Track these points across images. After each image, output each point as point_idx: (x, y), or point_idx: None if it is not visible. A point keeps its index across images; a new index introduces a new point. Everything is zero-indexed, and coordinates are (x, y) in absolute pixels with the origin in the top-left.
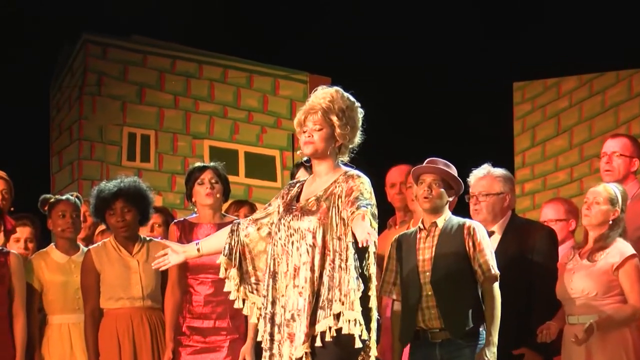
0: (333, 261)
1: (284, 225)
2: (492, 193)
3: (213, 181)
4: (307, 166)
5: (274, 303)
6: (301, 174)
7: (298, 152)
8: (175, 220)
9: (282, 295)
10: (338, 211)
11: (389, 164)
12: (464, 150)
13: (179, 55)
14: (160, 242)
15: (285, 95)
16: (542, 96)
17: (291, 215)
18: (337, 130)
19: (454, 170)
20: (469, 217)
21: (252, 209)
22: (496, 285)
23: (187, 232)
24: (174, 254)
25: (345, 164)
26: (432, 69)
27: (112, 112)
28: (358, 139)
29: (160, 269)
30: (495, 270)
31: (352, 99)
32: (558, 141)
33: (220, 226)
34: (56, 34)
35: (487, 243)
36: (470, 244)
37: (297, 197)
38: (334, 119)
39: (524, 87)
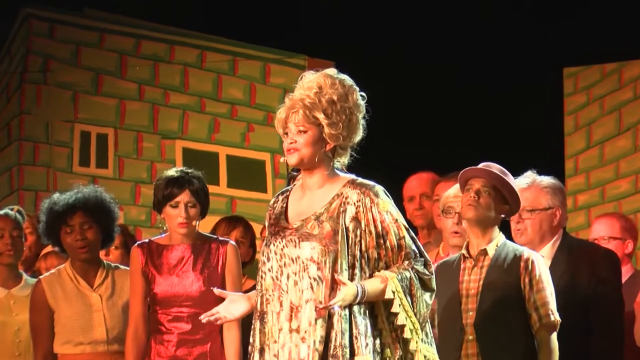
0: None
1: (275, 253)
2: (538, 208)
3: (190, 205)
4: (296, 176)
5: (262, 351)
6: None
7: (282, 160)
8: (139, 242)
9: (275, 342)
10: (349, 234)
11: (406, 174)
12: (501, 154)
13: (144, 34)
14: (128, 270)
15: (277, 84)
16: (599, 85)
17: (284, 241)
18: (326, 130)
19: (512, 181)
20: (511, 239)
21: (247, 230)
22: (555, 335)
23: (154, 257)
24: (234, 304)
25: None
26: (461, 53)
27: (60, 106)
28: (360, 133)
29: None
30: (555, 317)
31: (347, 82)
32: (620, 141)
33: (195, 248)
34: None
35: (547, 281)
36: (527, 280)
37: (284, 213)
38: (321, 116)
39: (576, 73)
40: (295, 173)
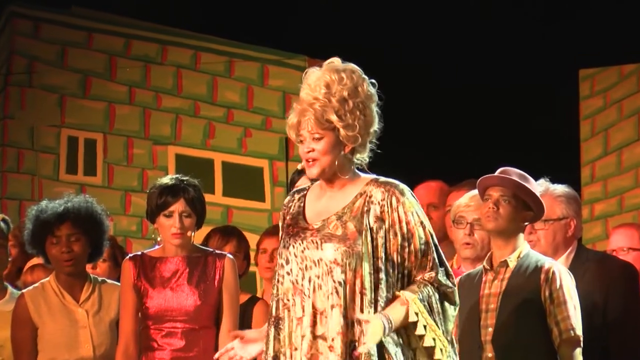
0: (375, 303)
1: (295, 256)
2: (552, 218)
3: (185, 214)
4: (298, 179)
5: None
6: (303, 183)
7: (300, 166)
8: (131, 255)
9: (295, 349)
10: (373, 235)
11: (412, 182)
12: (514, 161)
13: (135, 33)
14: (117, 285)
15: (276, 87)
16: (617, 87)
17: (304, 242)
18: (342, 133)
19: (533, 186)
20: None
21: (241, 243)
22: (578, 351)
23: (147, 270)
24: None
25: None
26: (469, 54)
27: (46, 109)
28: (376, 123)
29: None
30: (577, 332)
31: (355, 73)
32: (639, 148)
33: (191, 260)
34: None
35: (570, 294)
36: (547, 293)
37: (302, 213)
38: (334, 118)
39: (593, 75)
40: (297, 176)
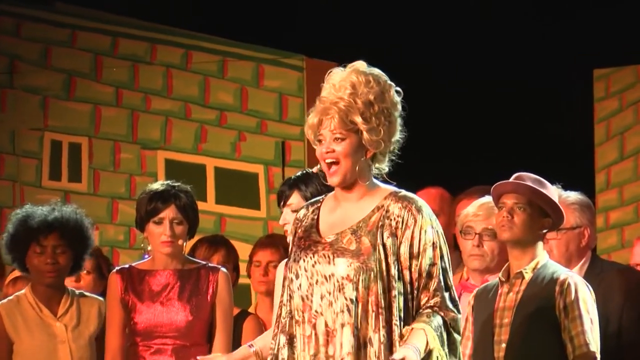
0: (389, 323)
1: (305, 270)
2: (565, 227)
3: (176, 221)
4: (319, 175)
5: None
6: (295, 201)
7: (315, 169)
8: (118, 268)
9: None
10: (387, 252)
11: (415, 189)
12: (524, 167)
13: (122, 31)
14: (96, 298)
15: (272, 88)
16: (635, 88)
17: (315, 256)
18: (366, 137)
19: (550, 191)
20: None
21: (230, 253)
22: None
23: (135, 283)
24: None
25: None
26: (475, 52)
27: (28, 112)
28: (398, 134)
29: None
30: (592, 348)
31: (381, 78)
32: None
33: (182, 273)
34: None
35: (586, 307)
36: (562, 306)
37: (316, 226)
38: (359, 120)
39: (608, 75)
40: (288, 190)
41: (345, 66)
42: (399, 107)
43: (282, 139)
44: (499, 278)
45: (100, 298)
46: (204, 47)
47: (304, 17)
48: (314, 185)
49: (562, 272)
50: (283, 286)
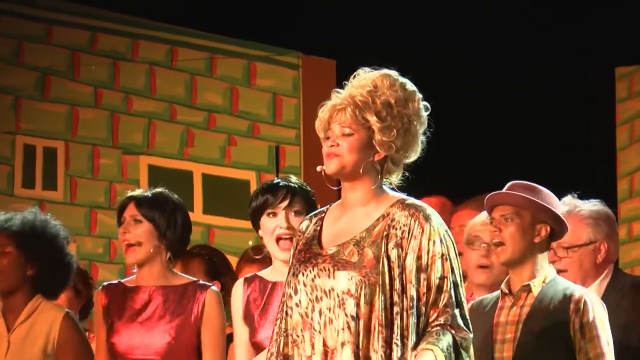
0: (388, 342)
1: (304, 285)
2: (576, 244)
3: (134, 219)
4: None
5: None
6: (275, 220)
7: (319, 169)
8: (106, 284)
9: None
10: (391, 264)
11: (419, 195)
12: (539, 172)
13: (102, 25)
14: (58, 312)
15: (265, 87)
16: None
17: (315, 269)
18: (377, 136)
19: (547, 197)
20: None
21: (205, 264)
22: None
23: (118, 300)
24: None
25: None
26: (490, 52)
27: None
28: (418, 151)
29: None
30: None
31: (408, 87)
32: None
33: (166, 291)
34: None
35: (603, 327)
36: (578, 326)
37: (318, 237)
38: (372, 118)
39: (631, 74)
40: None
41: (376, 69)
42: (424, 121)
43: (276, 143)
44: (501, 289)
45: (65, 312)
46: (191, 43)
47: (300, 10)
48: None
49: (575, 289)
50: (281, 302)
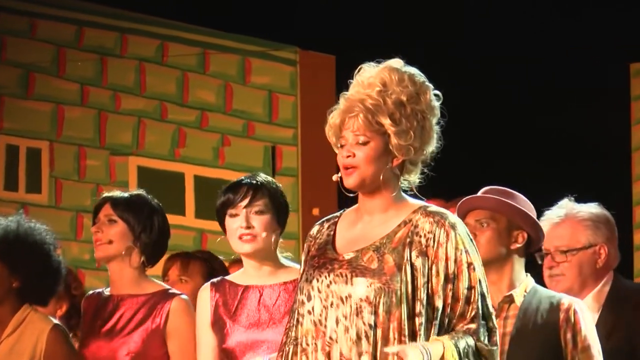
0: None
1: (318, 291)
2: (575, 248)
3: (108, 219)
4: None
5: None
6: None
7: (335, 177)
8: (89, 293)
9: None
10: (415, 273)
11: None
12: (549, 174)
13: (89, 19)
14: (46, 323)
15: (260, 85)
16: None
17: (331, 275)
18: (393, 141)
19: (523, 203)
20: (543, 285)
21: (204, 267)
22: None
23: (99, 311)
24: None
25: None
26: (491, 51)
27: None
28: (434, 143)
29: None
30: None
31: (417, 78)
32: None
33: (135, 300)
34: None
35: (593, 336)
36: (569, 336)
37: (332, 242)
38: (387, 122)
39: None
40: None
41: (379, 62)
42: (437, 112)
43: (272, 143)
44: None
45: (53, 324)
46: (182, 38)
47: (298, 3)
48: None
49: (562, 297)
50: (291, 310)
